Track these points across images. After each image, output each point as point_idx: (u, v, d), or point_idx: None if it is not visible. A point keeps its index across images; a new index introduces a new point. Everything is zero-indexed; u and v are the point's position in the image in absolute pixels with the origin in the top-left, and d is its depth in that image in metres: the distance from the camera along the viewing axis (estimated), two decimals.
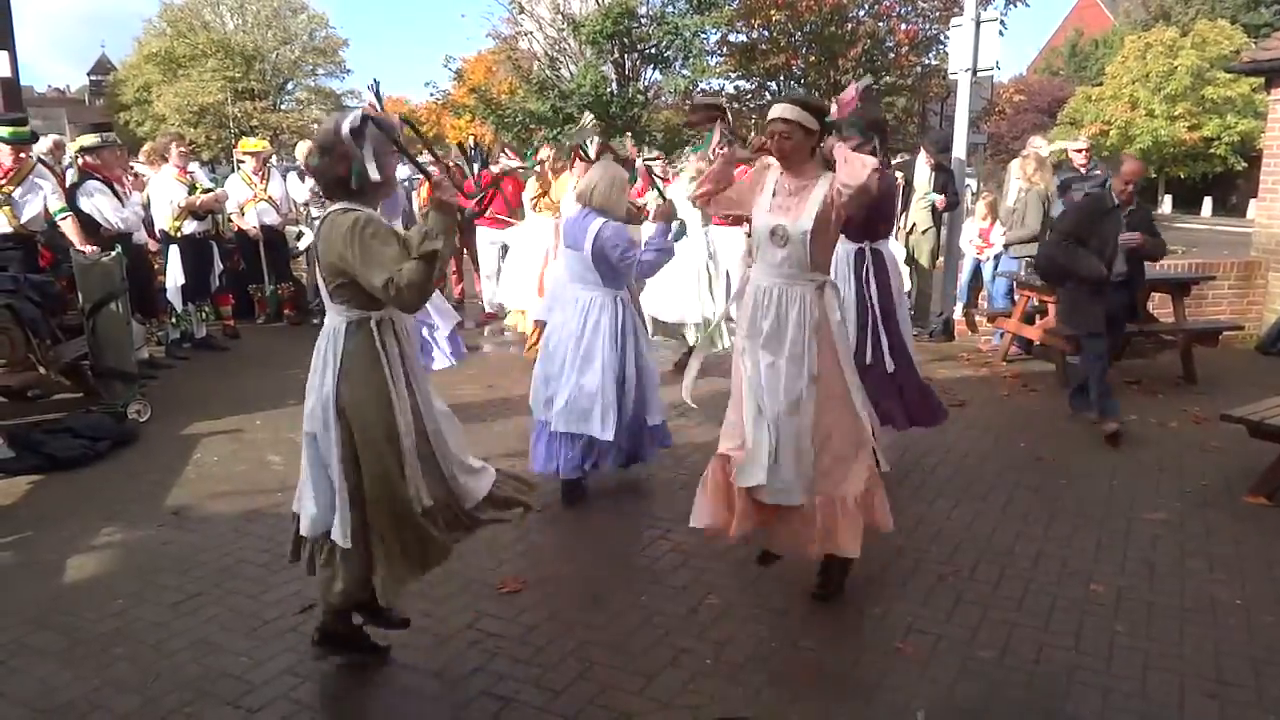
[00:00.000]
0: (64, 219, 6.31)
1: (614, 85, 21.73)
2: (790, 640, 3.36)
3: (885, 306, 4.77)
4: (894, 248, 8.70)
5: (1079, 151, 9.06)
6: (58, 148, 8.89)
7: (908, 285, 8.94)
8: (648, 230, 5.07)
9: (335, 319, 2.94)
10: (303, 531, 3.04)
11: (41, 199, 6.28)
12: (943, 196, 8.75)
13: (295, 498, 3.12)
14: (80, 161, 7.14)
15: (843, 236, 4.81)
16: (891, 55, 22.39)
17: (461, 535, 3.13)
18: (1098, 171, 8.95)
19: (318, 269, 3.01)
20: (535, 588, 3.74)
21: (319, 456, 2.94)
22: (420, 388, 3.02)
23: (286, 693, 3.02)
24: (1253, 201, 18.35)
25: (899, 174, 9.38)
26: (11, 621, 3.48)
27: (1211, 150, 30.63)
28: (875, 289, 4.76)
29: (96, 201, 6.78)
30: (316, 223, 2.93)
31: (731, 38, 22.89)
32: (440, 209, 2.77)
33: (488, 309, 9.86)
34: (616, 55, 21.87)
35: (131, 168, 8.75)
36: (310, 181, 9.39)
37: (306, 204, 9.51)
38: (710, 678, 3.12)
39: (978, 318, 9.16)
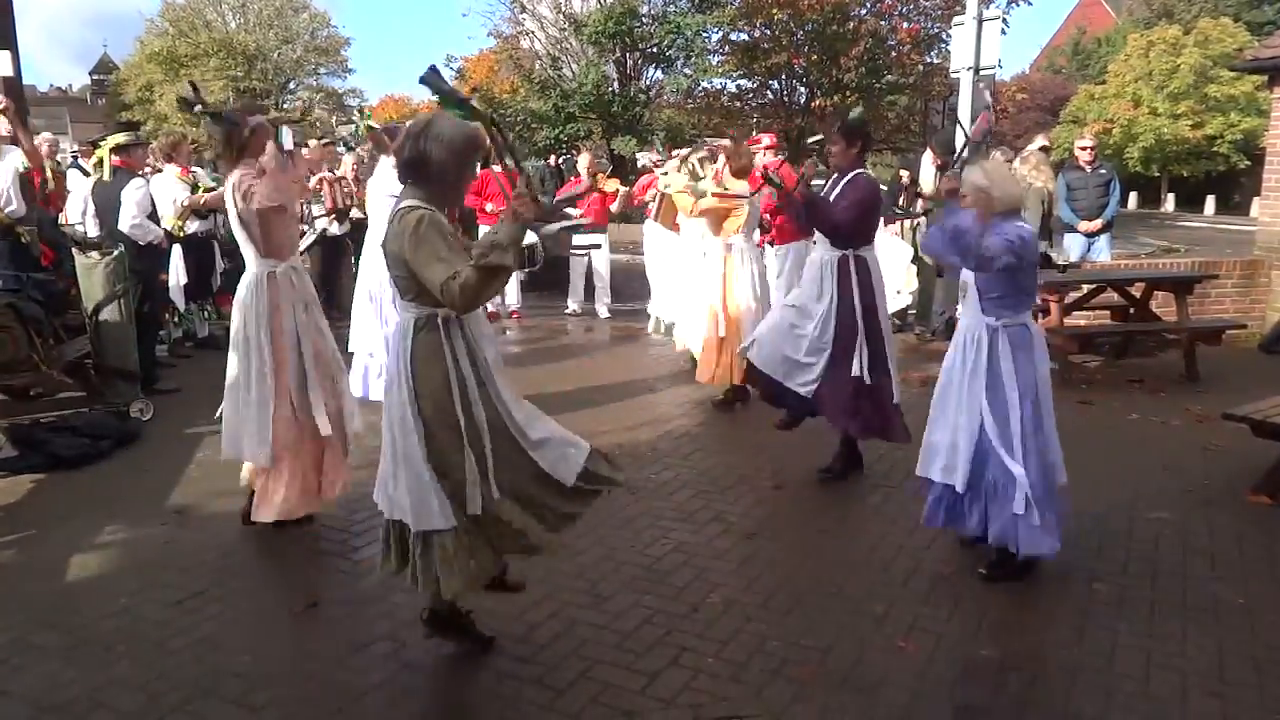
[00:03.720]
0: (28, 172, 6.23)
1: (616, 84, 21.75)
2: (792, 639, 3.36)
3: (869, 315, 4.80)
4: (901, 246, 8.77)
5: (1084, 149, 9.05)
6: (52, 147, 8.92)
7: (914, 284, 8.96)
8: None
9: (404, 315, 2.98)
10: (388, 516, 3.08)
11: (6, 173, 6.19)
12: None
13: (377, 490, 3.13)
14: (111, 160, 7.11)
15: (826, 243, 4.86)
16: (893, 54, 22.36)
17: (545, 539, 3.09)
18: (1102, 171, 8.93)
19: (385, 265, 3.02)
20: (537, 587, 3.73)
21: (402, 452, 2.95)
22: (494, 382, 2.99)
23: (289, 690, 3.03)
24: (1256, 200, 18.31)
25: (904, 173, 9.41)
26: (15, 619, 3.49)
27: (1214, 148, 30.59)
28: (859, 297, 4.79)
29: (142, 195, 6.78)
30: (394, 219, 2.91)
31: (733, 36, 22.88)
32: (515, 219, 2.77)
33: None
34: (618, 54, 21.90)
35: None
36: (311, 181, 9.42)
37: (306, 203, 9.52)
38: (712, 676, 3.12)
39: None
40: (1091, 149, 9.07)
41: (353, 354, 6.50)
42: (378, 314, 6.25)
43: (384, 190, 6.09)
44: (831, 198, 4.86)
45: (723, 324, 6.30)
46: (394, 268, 2.94)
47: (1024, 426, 3.70)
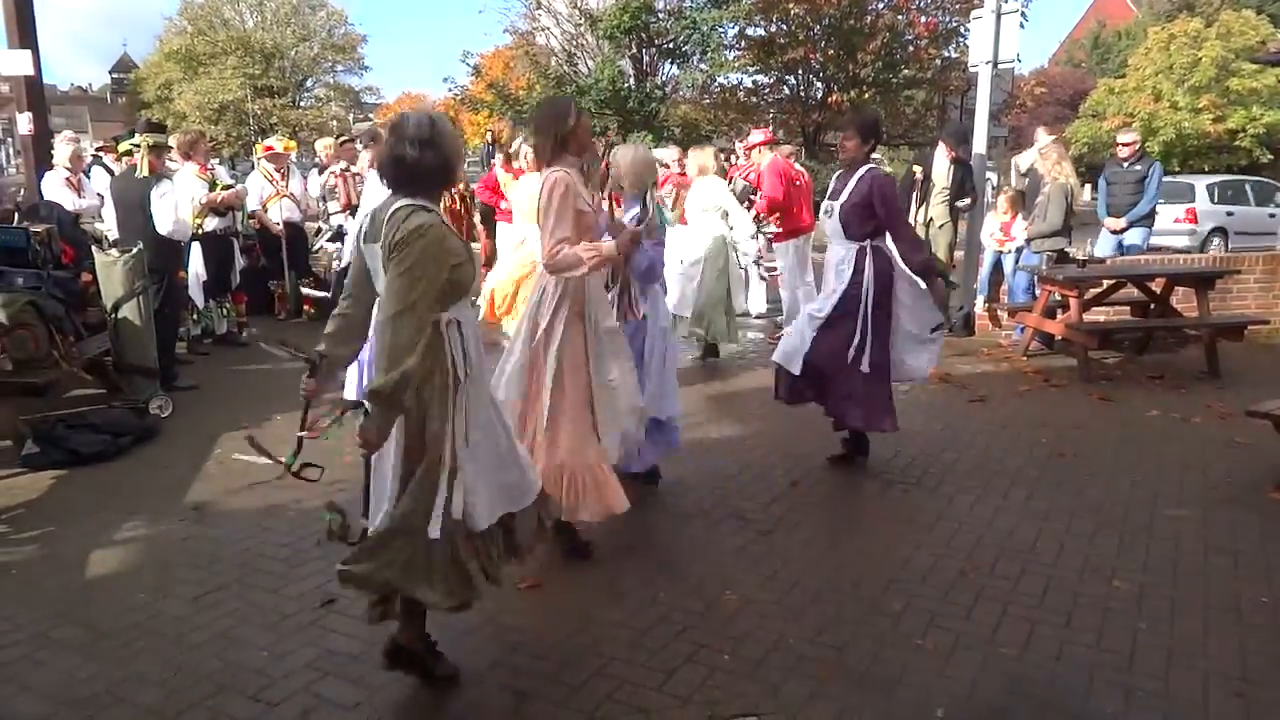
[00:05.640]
0: None
1: (631, 80, 21.68)
2: (809, 636, 3.35)
3: (878, 306, 4.82)
4: None
5: (1124, 145, 8.97)
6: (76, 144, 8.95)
7: None
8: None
9: None
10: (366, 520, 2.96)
11: None
12: (969, 200, 8.70)
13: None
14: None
15: (841, 235, 4.87)
16: (911, 48, 22.27)
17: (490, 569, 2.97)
18: (1137, 167, 8.82)
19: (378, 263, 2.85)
20: (553, 584, 3.74)
21: (384, 456, 2.86)
22: (478, 394, 2.90)
23: (306, 686, 3.04)
24: (1278, 194, 18.12)
25: (917, 168, 9.34)
26: (35, 615, 3.51)
27: (1236, 143, 30.18)
28: (873, 285, 4.80)
29: (173, 199, 6.81)
30: (385, 212, 2.78)
31: (749, 31, 22.81)
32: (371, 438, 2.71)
33: None
34: (634, 50, 21.84)
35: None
36: (325, 177, 9.47)
37: (320, 199, 9.57)
38: (728, 673, 3.11)
39: (1000, 312, 9.10)
40: (1129, 145, 8.97)
41: None
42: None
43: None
44: (843, 193, 4.87)
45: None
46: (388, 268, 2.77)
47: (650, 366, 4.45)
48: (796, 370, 4.96)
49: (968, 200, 8.71)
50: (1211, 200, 16.72)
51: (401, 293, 2.64)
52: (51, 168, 8.56)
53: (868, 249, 4.83)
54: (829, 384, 4.94)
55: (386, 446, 2.81)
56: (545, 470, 3.72)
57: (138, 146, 7.00)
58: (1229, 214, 16.68)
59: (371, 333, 2.91)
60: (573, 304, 3.87)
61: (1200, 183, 17.27)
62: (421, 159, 2.76)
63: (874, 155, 5.10)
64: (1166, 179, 18.50)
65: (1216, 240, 16.35)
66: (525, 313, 3.98)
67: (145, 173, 6.77)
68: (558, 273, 3.78)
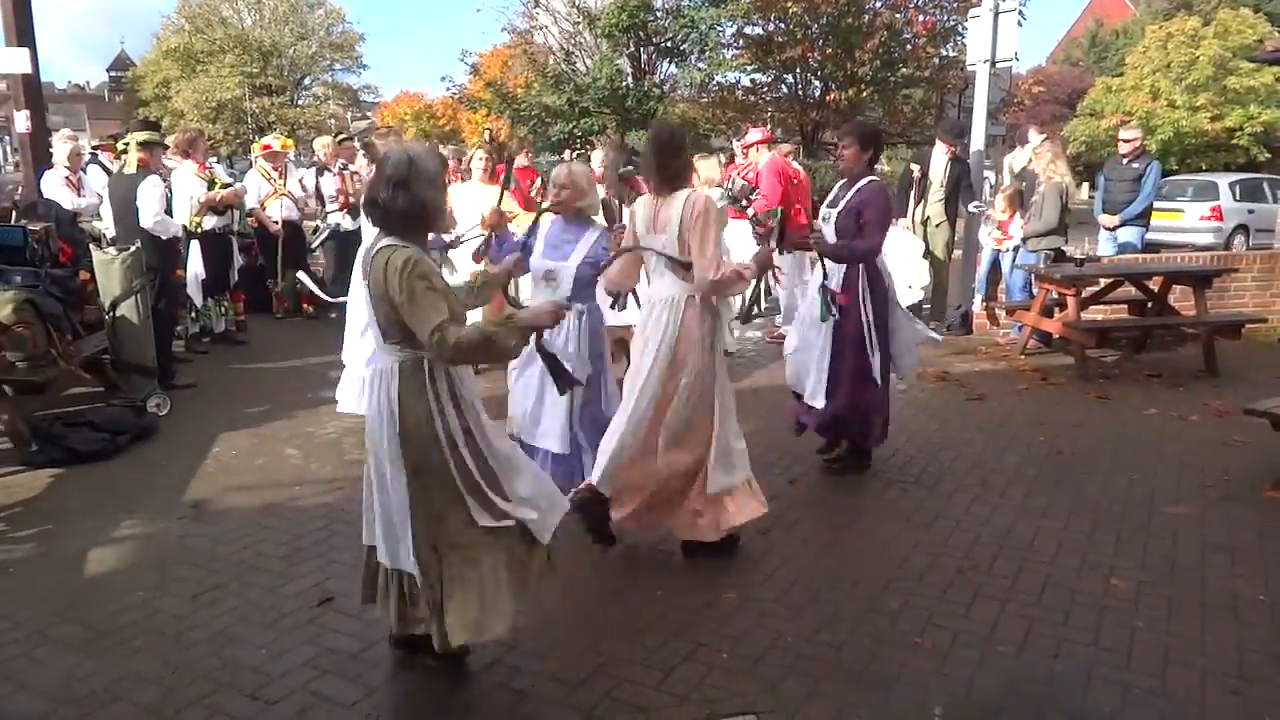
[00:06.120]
0: None
1: (629, 79, 21.64)
2: (807, 634, 3.35)
3: (879, 319, 4.81)
4: (913, 242, 8.72)
5: (1125, 142, 8.99)
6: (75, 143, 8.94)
7: (926, 279, 8.91)
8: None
9: (387, 359, 2.82)
10: (382, 562, 2.98)
11: None
12: (981, 205, 8.71)
13: (365, 532, 3.09)
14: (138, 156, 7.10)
15: None
16: (909, 47, 22.21)
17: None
18: (1135, 165, 8.82)
19: (368, 304, 2.88)
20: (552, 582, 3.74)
21: (387, 498, 2.87)
22: (480, 425, 2.90)
23: (304, 685, 3.04)
24: (1276, 193, 18.15)
25: (915, 166, 9.34)
26: (34, 613, 3.51)
27: (1234, 141, 30.23)
28: (871, 302, 4.79)
29: (161, 192, 6.78)
30: (369, 253, 2.82)
31: (748, 30, 22.75)
32: (540, 319, 2.89)
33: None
34: (632, 49, 21.81)
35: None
36: (322, 179, 9.45)
37: (312, 197, 9.55)
38: (727, 671, 3.11)
39: (997, 311, 9.10)
40: (1129, 141, 8.97)
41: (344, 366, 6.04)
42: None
43: None
44: (841, 204, 4.83)
45: None
46: (378, 310, 2.79)
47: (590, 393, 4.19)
48: (820, 403, 4.91)
49: (981, 205, 8.73)
50: (1234, 198, 16.98)
51: (427, 317, 2.67)
52: (50, 166, 8.56)
53: (858, 270, 4.78)
54: (843, 414, 4.91)
55: (390, 484, 2.85)
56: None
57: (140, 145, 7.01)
58: (1250, 211, 16.94)
59: (376, 348, 2.93)
60: (718, 334, 3.98)
61: (1224, 180, 17.50)
62: (394, 201, 2.76)
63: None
64: (1191, 177, 18.75)
65: (1240, 237, 16.66)
66: (655, 343, 3.87)
67: (133, 169, 6.77)
68: (721, 291, 3.89)
